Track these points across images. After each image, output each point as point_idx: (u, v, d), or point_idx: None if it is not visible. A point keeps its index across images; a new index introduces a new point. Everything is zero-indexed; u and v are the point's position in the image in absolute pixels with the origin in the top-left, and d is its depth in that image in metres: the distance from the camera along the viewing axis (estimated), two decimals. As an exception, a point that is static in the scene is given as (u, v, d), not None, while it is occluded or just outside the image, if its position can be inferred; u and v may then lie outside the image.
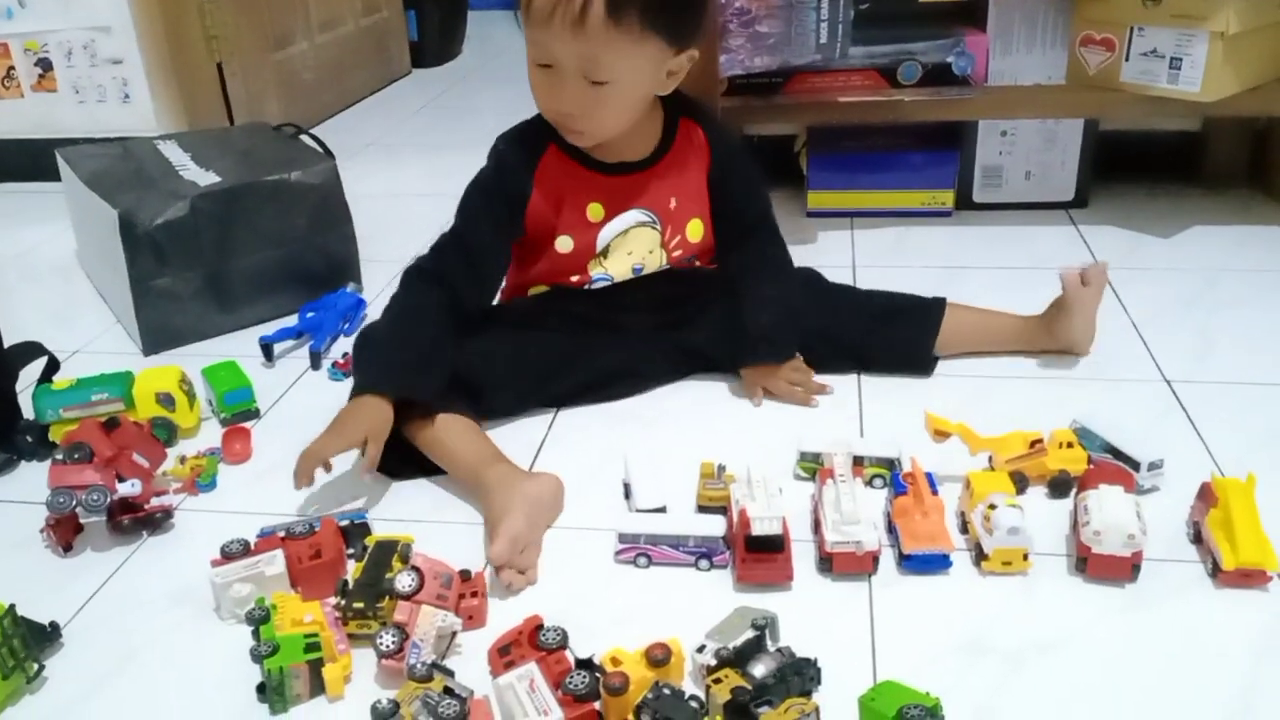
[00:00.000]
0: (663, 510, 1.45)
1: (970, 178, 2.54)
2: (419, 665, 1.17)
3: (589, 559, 1.42)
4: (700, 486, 1.49)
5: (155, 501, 1.51)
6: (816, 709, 1.10)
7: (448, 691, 1.15)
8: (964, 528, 1.41)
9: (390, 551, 1.31)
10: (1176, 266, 2.23)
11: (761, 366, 1.78)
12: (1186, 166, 2.67)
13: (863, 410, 1.74)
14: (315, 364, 1.93)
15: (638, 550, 1.39)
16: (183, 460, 1.62)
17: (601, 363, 1.77)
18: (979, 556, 1.35)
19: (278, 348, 1.96)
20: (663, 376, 1.84)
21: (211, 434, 1.73)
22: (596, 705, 1.11)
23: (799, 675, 1.16)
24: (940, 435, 1.50)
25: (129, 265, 1.94)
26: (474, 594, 1.29)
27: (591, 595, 1.35)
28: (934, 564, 1.35)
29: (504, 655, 1.19)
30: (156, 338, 2.00)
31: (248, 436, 1.69)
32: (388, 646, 1.19)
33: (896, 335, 1.82)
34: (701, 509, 1.48)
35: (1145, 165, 2.67)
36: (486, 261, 1.72)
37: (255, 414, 1.78)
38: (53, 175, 2.35)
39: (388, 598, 1.24)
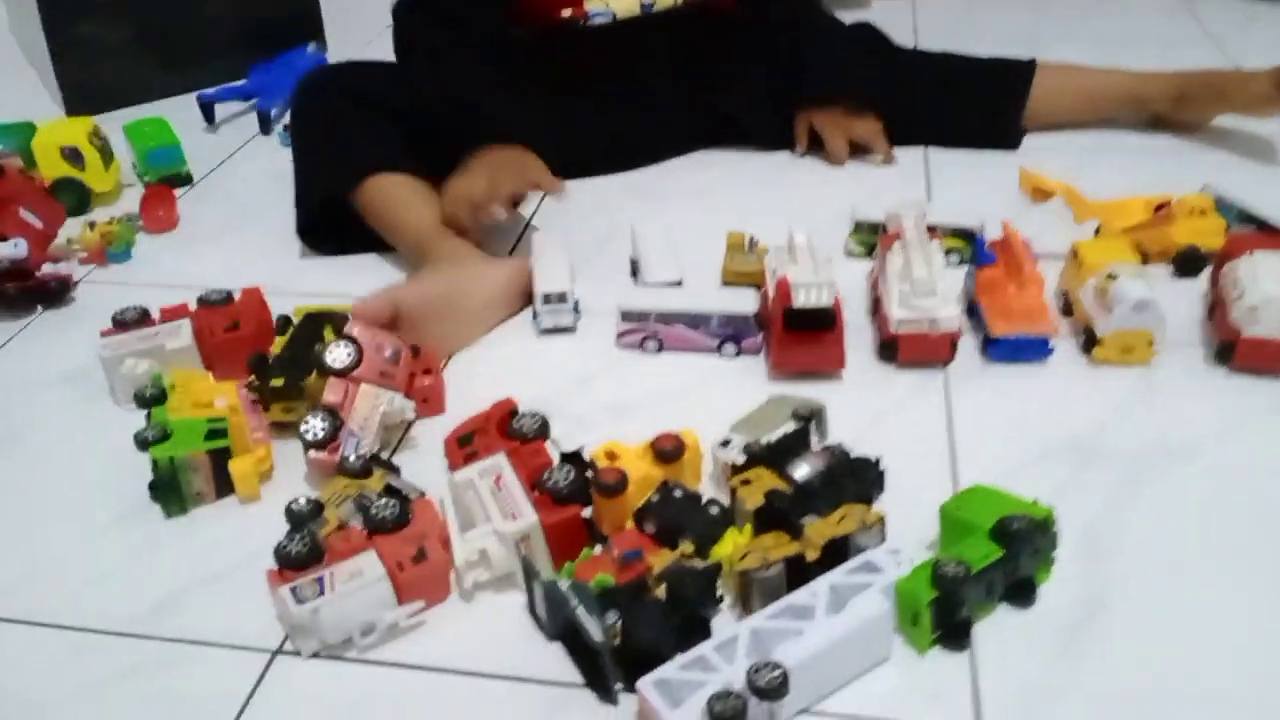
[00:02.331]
0: (678, 284, 1.15)
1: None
2: (354, 458, 0.89)
3: (585, 345, 1.12)
4: (726, 260, 1.18)
5: (48, 269, 1.22)
6: (881, 520, 0.81)
7: (390, 491, 0.88)
8: (1066, 310, 1.10)
9: (321, 323, 1.01)
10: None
11: (823, 109, 1.45)
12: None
13: (930, 186, 1.41)
14: (265, 128, 1.62)
15: (646, 332, 1.09)
16: (91, 226, 1.32)
17: (612, 125, 1.44)
18: (1088, 342, 1.04)
19: (220, 108, 1.64)
20: (685, 146, 1.51)
21: (134, 201, 1.42)
22: (584, 511, 0.83)
23: (855, 478, 0.87)
24: (1039, 195, 1.18)
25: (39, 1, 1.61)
26: (428, 371, 1.00)
27: (585, 386, 1.06)
28: (1030, 350, 1.04)
29: (464, 446, 0.90)
30: (81, 94, 1.68)
31: (172, 201, 1.39)
32: (316, 435, 0.91)
33: (976, 101, 1.47)
34: (727, 285, 1.17)
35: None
36: None
37: (186, 179, 1.48)
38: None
39: (316, 373, 0.95)
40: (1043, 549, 0.80)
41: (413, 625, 0.79)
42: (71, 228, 1.32)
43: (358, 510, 0.84)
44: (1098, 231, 1.19)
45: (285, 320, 1.03)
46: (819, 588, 0.75)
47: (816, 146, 1.48)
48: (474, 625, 0.80)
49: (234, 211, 1.28)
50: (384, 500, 0.83)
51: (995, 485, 0.84)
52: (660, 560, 0.78)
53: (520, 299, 1.16)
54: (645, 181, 1.46)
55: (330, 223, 1.25)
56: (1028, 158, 1.43)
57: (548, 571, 0.81)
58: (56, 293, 1.20)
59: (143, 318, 1.06)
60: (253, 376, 0.96)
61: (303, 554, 0.78)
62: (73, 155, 1.38)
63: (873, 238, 1.22)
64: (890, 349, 1.04)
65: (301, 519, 0.83)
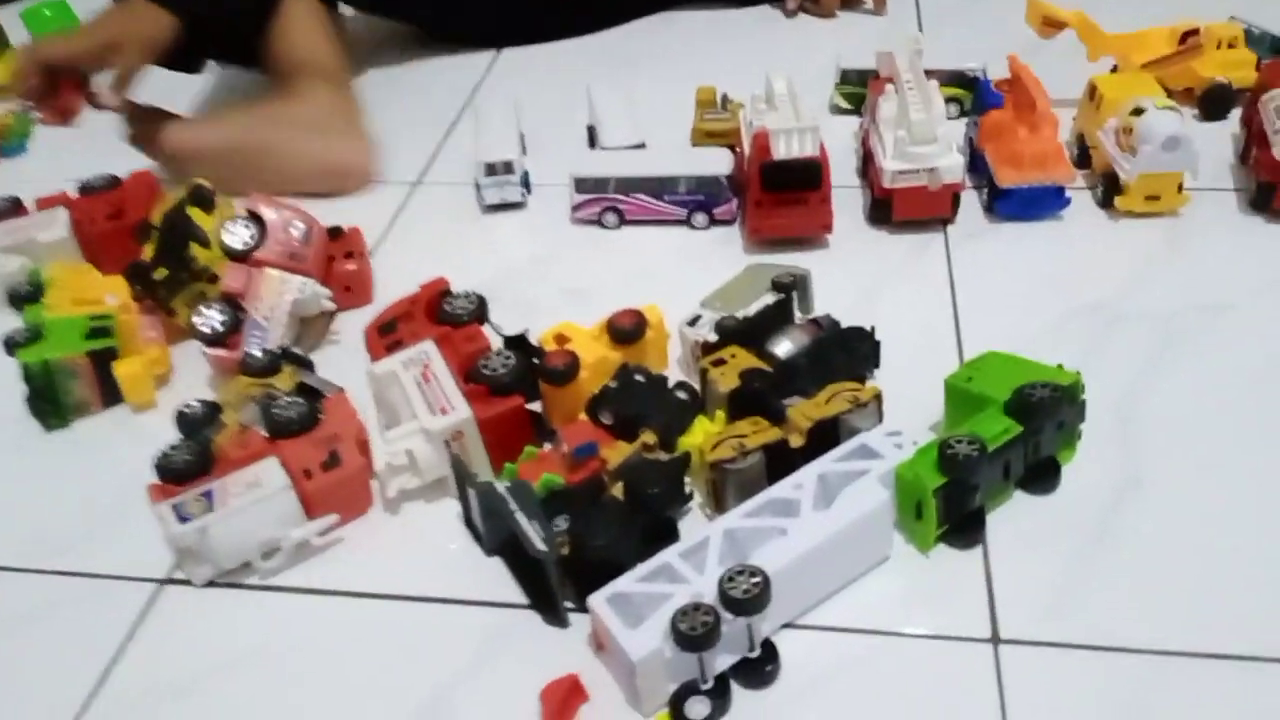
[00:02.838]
0: (640, 147, 1.00)
1: None
2: (259, 353, 0.75)
3: (535, 221, 0.99)
4: (696, 118, 1.04)
5: (-76, 163, 1.07)
6: (877, 396, 0.69)
7: (303, 390, 0.75)
8: (1081, 159, 0.96)
9: (207, 199, 0.86)
10: None
11: None
12: None
13: (923, 32, 1.26)
14: None
15: (605, 203, 0.95)
16: (-21, 117, 1.16)
17: None
18: (1109, 191, 0.91)
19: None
20: (645, 5, 1.35)
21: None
22: (529, 403, 0.70)
23: (845, 352, 0.74)
24: (1048, 28, 1.03)
25: None
26: (349, 255, 0.87)
27: (536, 267, 0.92)
28: (1043, 202, 0.91)
29: (387, 334, 0.77)
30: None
31: (75, 89, 1.22)
32: (213, 328, 0.78)
33: None
34: (697, 147, 1.03)
35: None
36: None
37: (92, 66, 1.31)
38: None
39: (199, 249, 0.80)
40: (1069, 422, 0.68)
41: (326, 544, 0.67)
42: (-43, 120, 1.17)
43: (258, 412, 0.71)
44: (1114, 70, 1.04)
45: (145, 226, 0.85)
46: (805, 478, 0.63)
47: (796, -2, 1.32)
48: (399, 541, 0.68)
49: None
50: (290, 398, 0.70)
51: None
52: (617, 454, 0.65)
53: (339, 180, 1.03)
54: (602, 45, 1.31)
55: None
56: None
57: (486, 474, 0.69)
58: (-65, 189, 1.05)
59: (13, 208, 0.91)
60: (137, 286, 0.82)
61: (189, 463, 0.66)
62: (-46, 39, 1.22)
63: (861, 89, 1.07)
64: (884, 208, 0.91)
65: (194, 424, 0.70)
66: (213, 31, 1.06)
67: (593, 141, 1.07)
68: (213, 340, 0.77)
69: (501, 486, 0.63)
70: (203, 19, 1.02)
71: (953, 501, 0.63)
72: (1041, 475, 0.67)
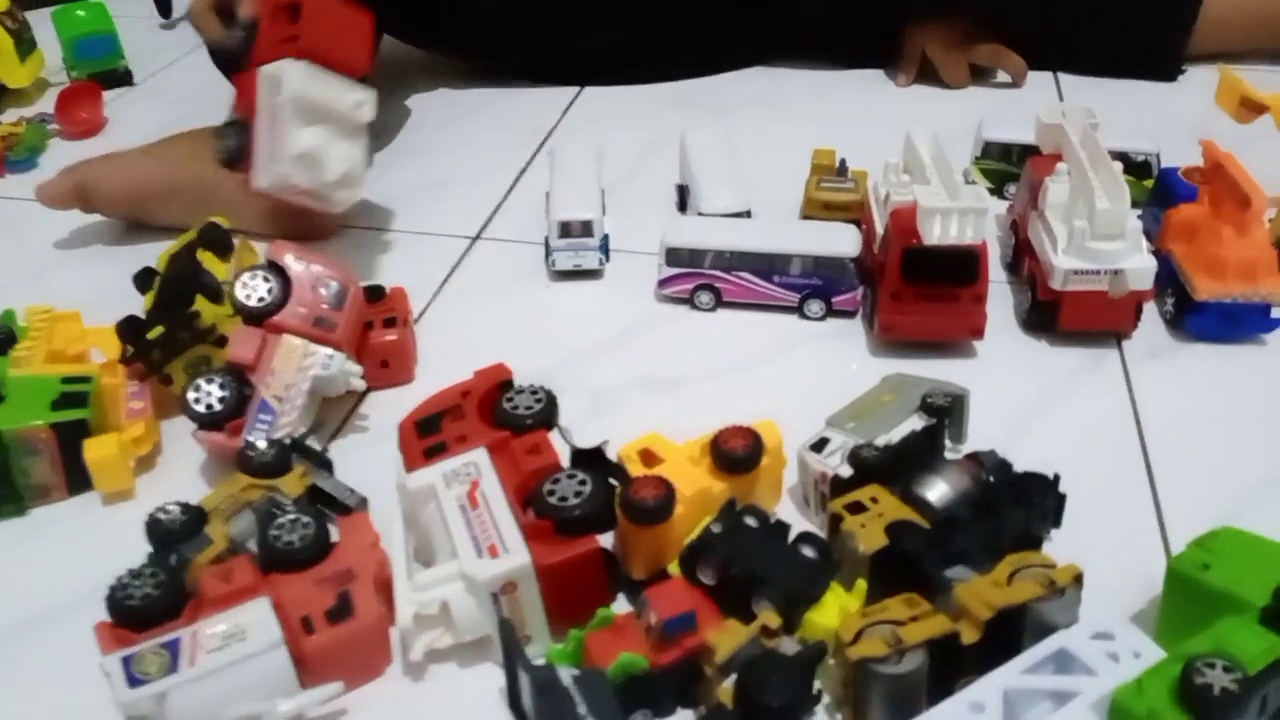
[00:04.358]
0: (745, 215, 0.84)
1: None
2: (263, 444, 0.59)
3: (614, 295, 0.82)
4: (811, 185, 0.87)
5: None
6: (1078, 577, 0.51)
7: (317, 498, 0.58)
8: (1286, 269, 0.79)
9: (223, 242, 0.71)
10: None
11: (936, 24, 1.13)
12: None
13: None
14: (164, 10, 1.34)
15: (701, 279, 0.79)
16: (-10, 126, 1.03)
17: (646, 20, 1.13)
18: (1332, 313, 0.73)
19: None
20: (740, 56, 1.20)
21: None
22: (603, 541, 0.53)
23: (1022, 505, 0.57)
24: (1248, 111, 0.86)
25: None
26: (391, 323, 0.71)
27: (613, 351, 0.76)
28: (1247, 322, 0.73)
29: (427, 435, 0.60)
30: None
31: (97, 101, 1.10)
32: (210, 406, 0.62)
33: (1128, 18, 1.14)
34: (809, 220, 0.86)
35: None
36: None
37: (124, 77, 1.19)
38: None
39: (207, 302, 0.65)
40: (1341, 637, 0.50)
41: (325, 716, 0.50)
42: (-32, 129, 1.04)
43: (254, 526, 0.55)
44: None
45: (147, 273, 0.72)
46: (986, 696, 0.46)
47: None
48: (422, 717, 0.51)
49: (173, 117, 0.99)
50: (292, 515, 0.53)
51: (1242, 527, 0.54)
52: (728, 640, 0.48)
53: (294, 221, 0.85)
54: (692, 92, 1.15)
55: None
56: (1185, 90, 1.12)
57: (542, 640, 0.52)
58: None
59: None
60: (127, 347, 0.66)
61: (150, 600, 0.49)
62: (-26, 40, 1.09)
63: (1005, 165, 0.91)
64: (1048, 313, 0.73)
65: (168, 537, 0.54)
66: None
67: (683, 203, 0.91)
68: (208, 422, 0.61)
69: (567, 675, 0.46)
70: None
71: (1195, 748, 0.45)
72: (1299, 708, 0.49)
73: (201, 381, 0.62)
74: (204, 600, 0.50)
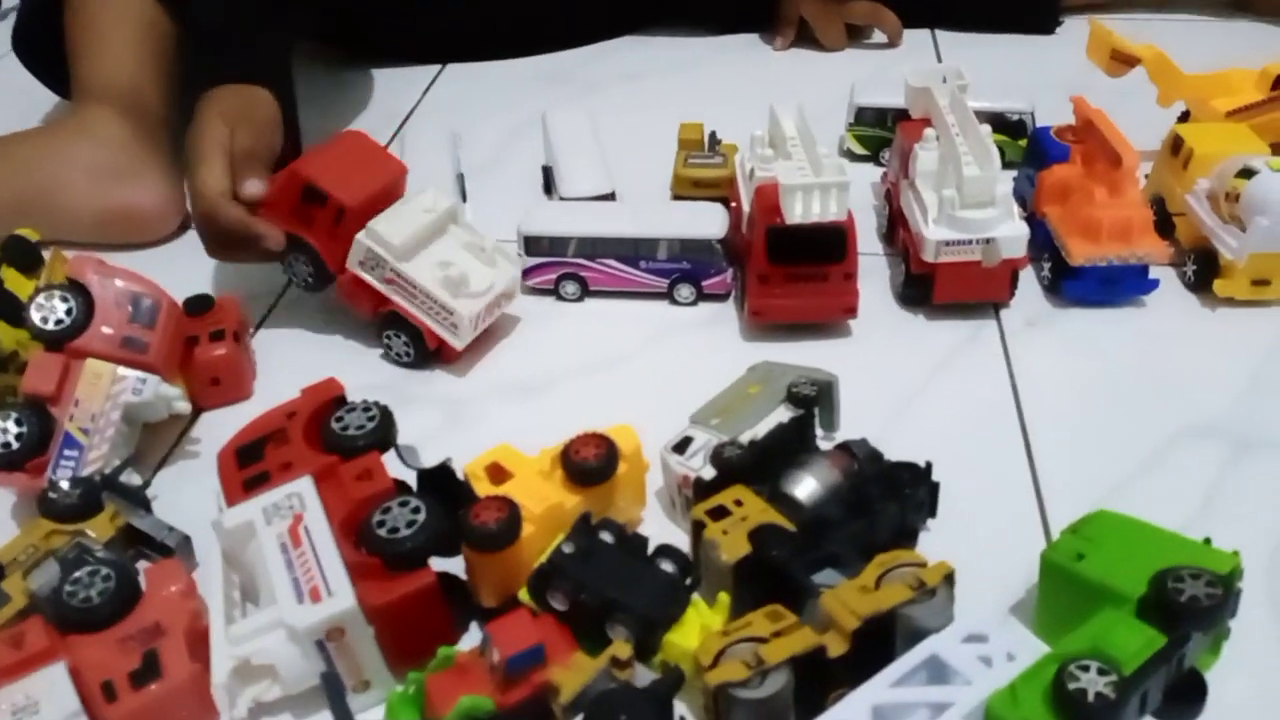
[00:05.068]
0: (610, 197, 0.80)
1: None
2: (65, 484, 0.53)
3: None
4: (679, 162, 0.83)
5: None
6: (949, 575, 0.48)
7: (135, 538, 0.53)
8: (1163, 225, 0.76)
9: (31, 254, 0.64)
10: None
11: None
12: None
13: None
14: None
15: (564, 268, 0.74)
16: None
17: None
18: (1203, 272, 0.72)
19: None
20: (606, 27, 1.14)
21: None
22: (438, 570, 0.49)
23: (895, 498, 0.54)
24: (1118, 64, 0.84)
25: None
26: (219, 336, 0.65)
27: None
28: (1125, 284, 0.71)
29: (248, 464, 0.54)
30: None
31: None
32: (7, 444, 0.55)
33: None
34: (679, 199, 0.82)
35: None
36: None
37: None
38: None
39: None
40: (1219, 624, 0.48)
41: (133, 796, 0.45)
42: None
43: (54, 579, 0.49)
44: (1186, 117, 0.86)
45: None
46: (853, 713, 0.42)
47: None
48: (248, 787, 0.46)
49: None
50: (91, 567, 0.47)
51: (1126, 501, 0.52)
52: (573, 678, 0.44)
53: (124, 228, 0.80)
54: (560, 66, 1.10)
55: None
56: (1061, 44, 1.10)
57: (382, 684, 0.47)
58: None
59: None
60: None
61: (-80, 679, 0.43)
62: None
63: (880, 131, 0.88)
64: (922, 286, 0.71)
65: (-48, 600, 0.48)
66: None
67: (549, 187, 0.86)
68: (4, 463, 0.55)
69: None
70: None
71: (1075, 757, 0.42)
72: (1182, 697, 0.47)
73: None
74: (-10, 671, 0.44)
